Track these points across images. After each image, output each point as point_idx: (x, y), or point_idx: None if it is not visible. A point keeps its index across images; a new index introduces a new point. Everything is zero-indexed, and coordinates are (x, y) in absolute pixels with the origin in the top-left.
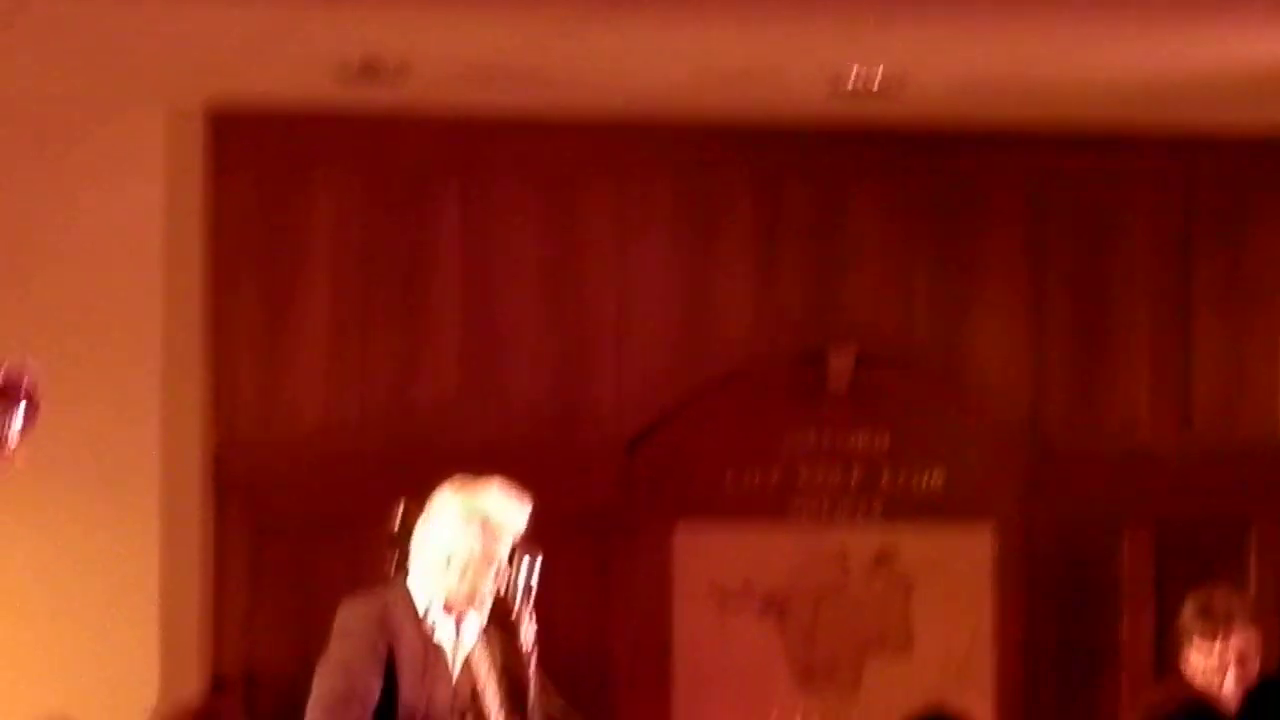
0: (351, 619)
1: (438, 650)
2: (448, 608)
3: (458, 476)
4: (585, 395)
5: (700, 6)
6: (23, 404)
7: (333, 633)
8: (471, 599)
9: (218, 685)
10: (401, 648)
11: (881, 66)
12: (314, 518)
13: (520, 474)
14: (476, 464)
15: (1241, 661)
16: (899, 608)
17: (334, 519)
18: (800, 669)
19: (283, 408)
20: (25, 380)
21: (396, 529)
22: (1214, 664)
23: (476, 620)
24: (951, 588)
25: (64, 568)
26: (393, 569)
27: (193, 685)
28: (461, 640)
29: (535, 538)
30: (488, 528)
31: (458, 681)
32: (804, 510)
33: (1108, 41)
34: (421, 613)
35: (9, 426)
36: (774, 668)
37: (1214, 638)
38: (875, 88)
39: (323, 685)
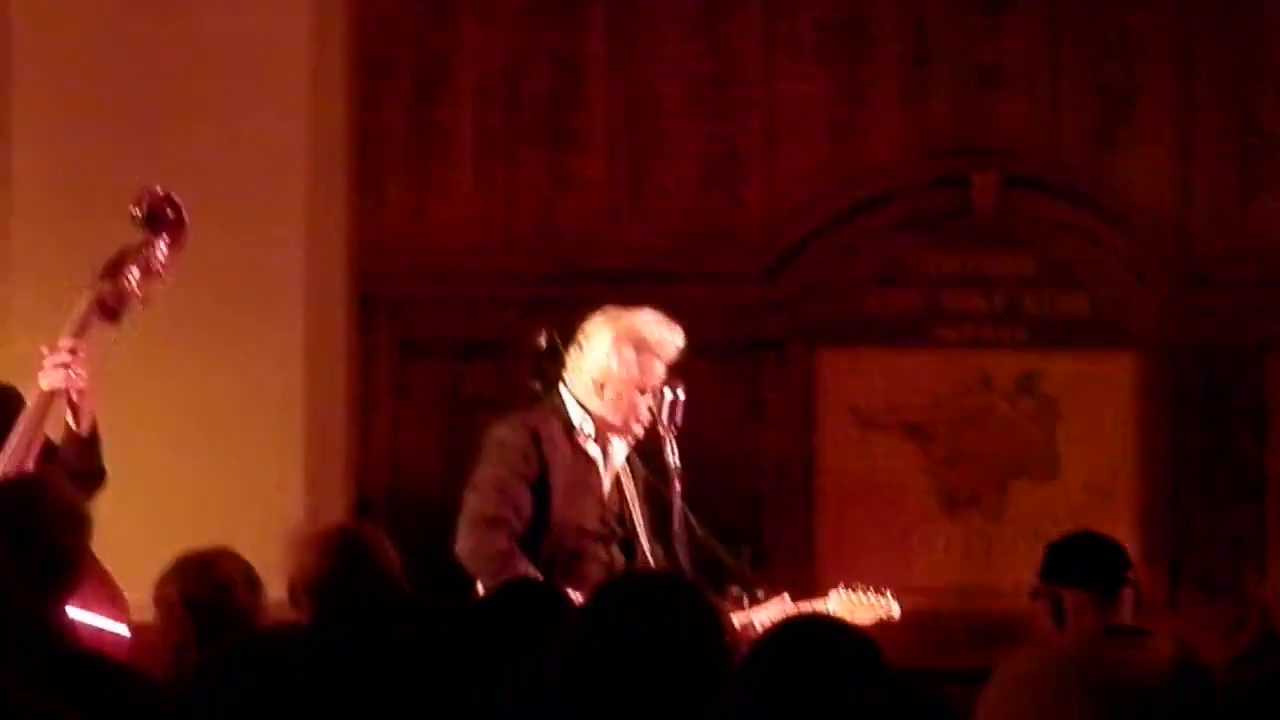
0: (503, 439)
1: (589, 470)
2: (600, 429)
3: (611, 306)
4: (730, 217)
5: None
6: (165, 232)
7: (483, 453)
8: (623, 423)
9: (363, 507)
10: (553, 467)
11: None
12: (460, 337)
13: (665, 296)
14: (622, 285)
15: None
16: (1043, 432)
17: (479, 339)
18: (943, 493)
19: (429, 226)
20: (168, 207)
21: (543, 349)
22: None
23: (624, 444)
24: (1096, 412)
25: (210, 390)
26: (540, 389)
27: (339, 507)
28: (610, 461)
29: (681, 361)
30: (642, 353)
31: (607, 500)
32: (947, 334)
33: None
34: (575, 432)
35: (157, 251)
36: (917, 491)
37: None
38: None
39: (474, 505)
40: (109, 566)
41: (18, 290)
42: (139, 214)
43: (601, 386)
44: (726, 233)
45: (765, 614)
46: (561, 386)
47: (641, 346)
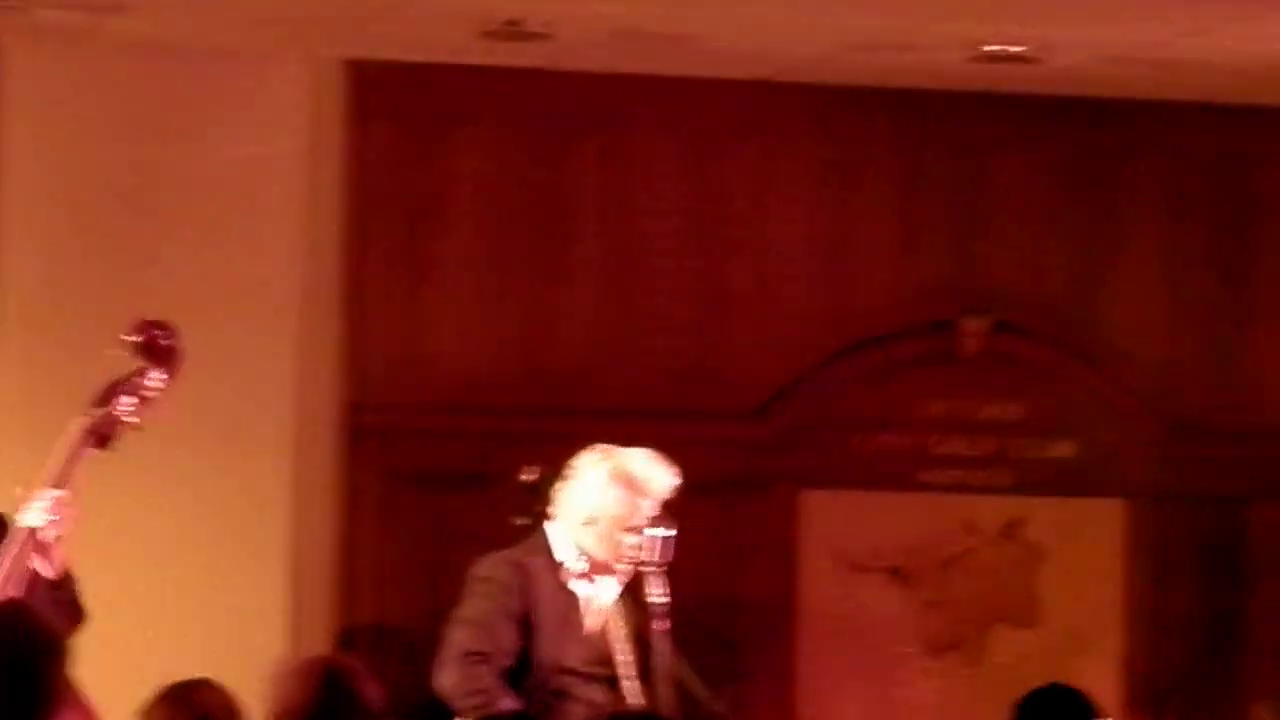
0: (488, 575)
1: (575, 608)
2: (588, 567)
3: (601, 444)
4: (720, 356)
5: None
6: (161, 361)
7: (467, 589)
8: (611, 560)
9: (347, 639)
10: (539, 605)
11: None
12: (448, 471)
13: (654, 433)
14: (610, 422)
15: None
16: (1027, 579)
17: (468, 473)
18: (926, 637)
19: (418, 360)
20: (163, 337)
21: (531, 485)
22: None
23: (614, 583)
24: (1081, 560)
25: (196, 519)
26: (528, 525)
27: (322, 639)
28: (598, 600)
29: (667, 498)
30: (633, 492)
31: (593, 638)
32: (933, 478)
33: (1253, 19)
34: (561, 570)
35: (151, 379)
36: (899, 635)
37: None
38: (1019, 52)
39: (458, 640)
40: (90, 696)
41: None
42: (135, 342)
43: (591, 523)
44: (715, 372)
45: None
46: (548, 523)
47: (632, 485)
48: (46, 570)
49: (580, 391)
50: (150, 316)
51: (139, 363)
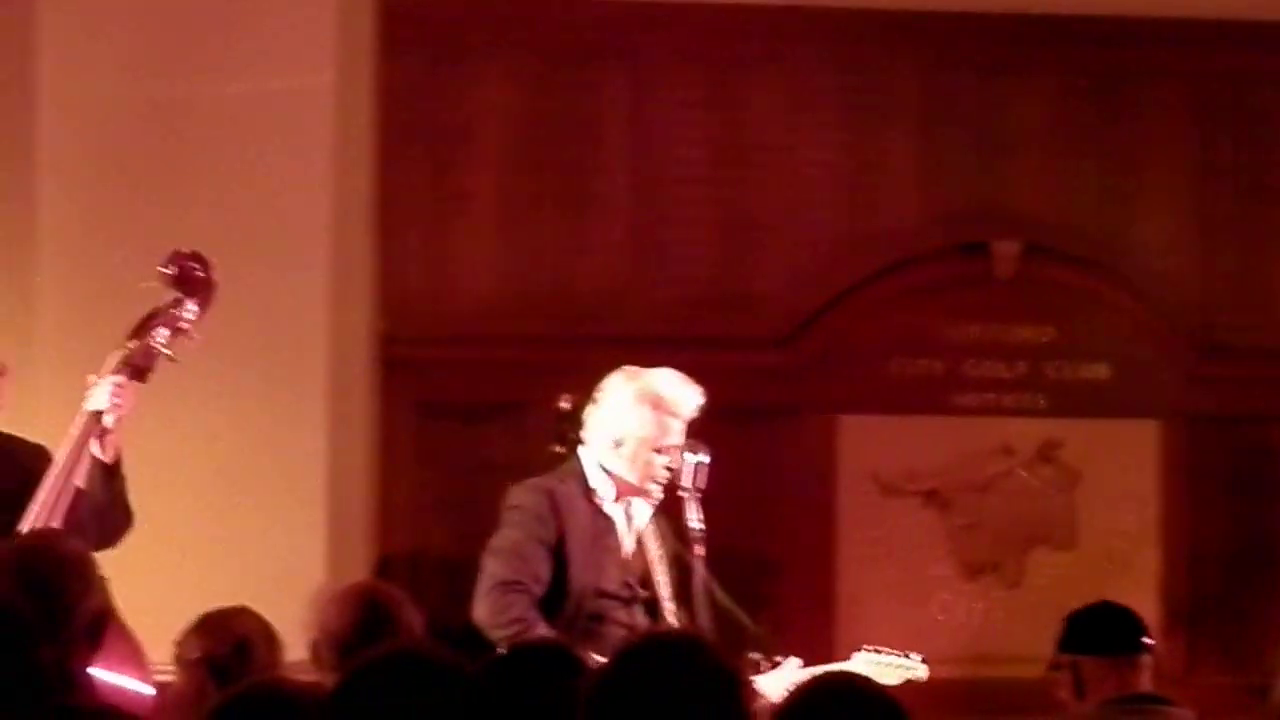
0: (520, 503)
1: (608, 532)
2: (619, 490)
3: (627, 366)
4: (749, 283)
5: None
6: (197, 294)
7: (502, 517)
8: (640, 482)
9: (384, 567)
10: (571, 530)
11: None
12: (480, 399)
13: (684, 361)
14: (641, 350)
15: None
16: (1063, 501)
17: (499, 401)
18: (963, 560)
19: (449, 288)
20: (198, 268)
21: (564, 412)
22: None
23: (646, 506)
24: (1116, 481)
25: (232, 450)
26: (562, 452)
27: (360, 566)
28: (632, 523)
29: (699, 424)
30: (660, 411)
31: (628, 562)
32: (967, 402)
33: None
34: (593, 493)
35: (185, 311)
36: (937, 558)
37: None
38: None
39: (492, 570)
40: (132, 624)
41: (42, 322)
42: (169, 274)
43: (619, 445)
44: (745, 299)
45: (780, 678)
46: (580, 448)
47: (659, 405)
48: (102, 454)
49: (611, 320)
50: (183, 248)
51: (173, 294)
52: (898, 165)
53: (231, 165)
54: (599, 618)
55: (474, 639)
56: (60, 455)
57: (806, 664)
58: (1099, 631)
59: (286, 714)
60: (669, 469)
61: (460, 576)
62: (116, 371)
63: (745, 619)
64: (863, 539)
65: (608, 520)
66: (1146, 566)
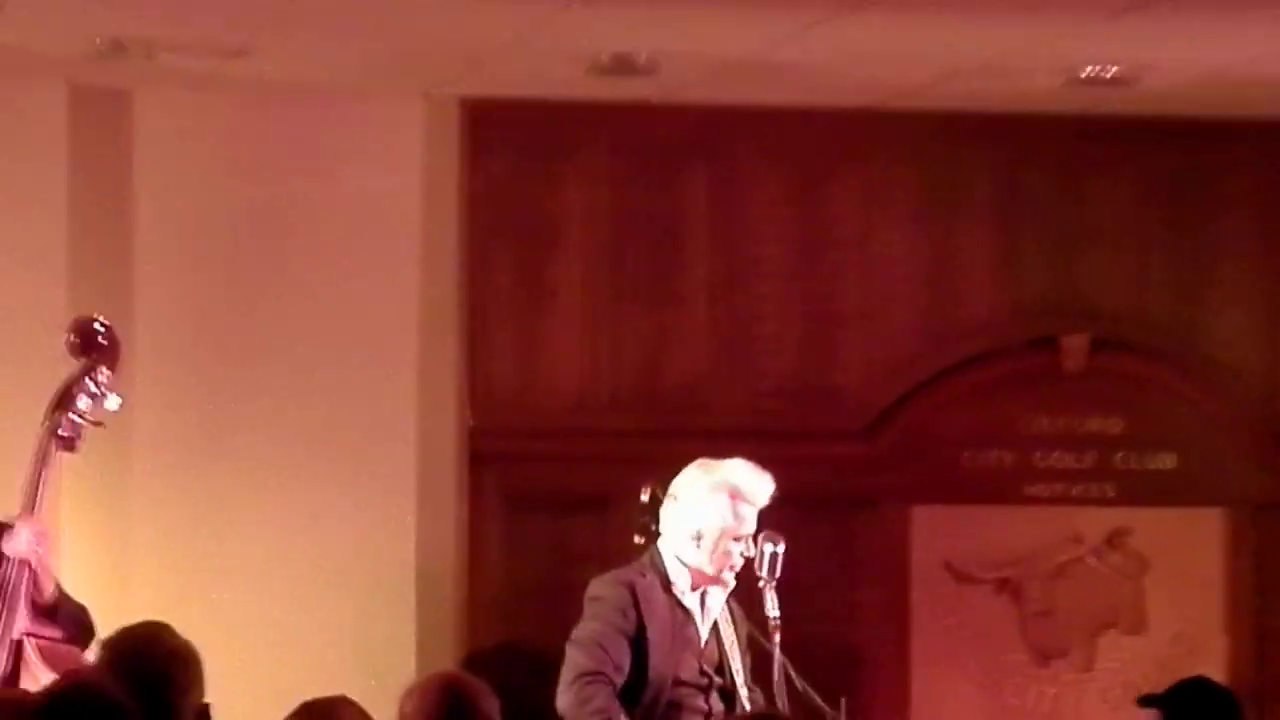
0: (602, 595)
1: (686, 621)
2: (695, 581)
3: (701, 459)
4: (828, 376)
5: (928, 5)
6: (102, 354)
7: (585, 608)
8: (718, 572)
9: (472, 657)
10: (651, 622)
11: (1120, 60)
12: (567, 492)
13: (765, 453)
14: (723, 442)
15: None
16: (1132, 587)
17: (585, 494)
18: (1035, 646)
19: (536, 384)
20: (101, 333)
21: (645, 504)
22: None
23: (721, 593)
24: (1184, 568)
25: (326, 545)
26: (643, 542)
27: (449, 656)
28: (708, 612)
29: (779, 515)
30: (735, 500)
31: (705, 650)
32: (1039, 491)
33: None
34: (672, 585)
35: (99, 375)
36: (1009, 644)
37: None
38: (1113, 75)
39: (575, 660)
40: (226, 711)
41: (140, 421)
42: (75, 342)
43: (699, 538)
44: (825, 392)
45: None
46: (658, 541)
47: (735, 494)
48: (39, 596)
49: (694, 413)
50: (83, 314)
51: (84, 360)
52: (972, 261)
53: (322, 264)
54: (677, 705)
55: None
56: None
57: None
58: (1194, 704)
59: None
60: (744, 556)
61: (547, 666)
62: (42, 456)
63: (822, 703)
64: (937, 627)
65: (685, 611)
66: (1215, 650)
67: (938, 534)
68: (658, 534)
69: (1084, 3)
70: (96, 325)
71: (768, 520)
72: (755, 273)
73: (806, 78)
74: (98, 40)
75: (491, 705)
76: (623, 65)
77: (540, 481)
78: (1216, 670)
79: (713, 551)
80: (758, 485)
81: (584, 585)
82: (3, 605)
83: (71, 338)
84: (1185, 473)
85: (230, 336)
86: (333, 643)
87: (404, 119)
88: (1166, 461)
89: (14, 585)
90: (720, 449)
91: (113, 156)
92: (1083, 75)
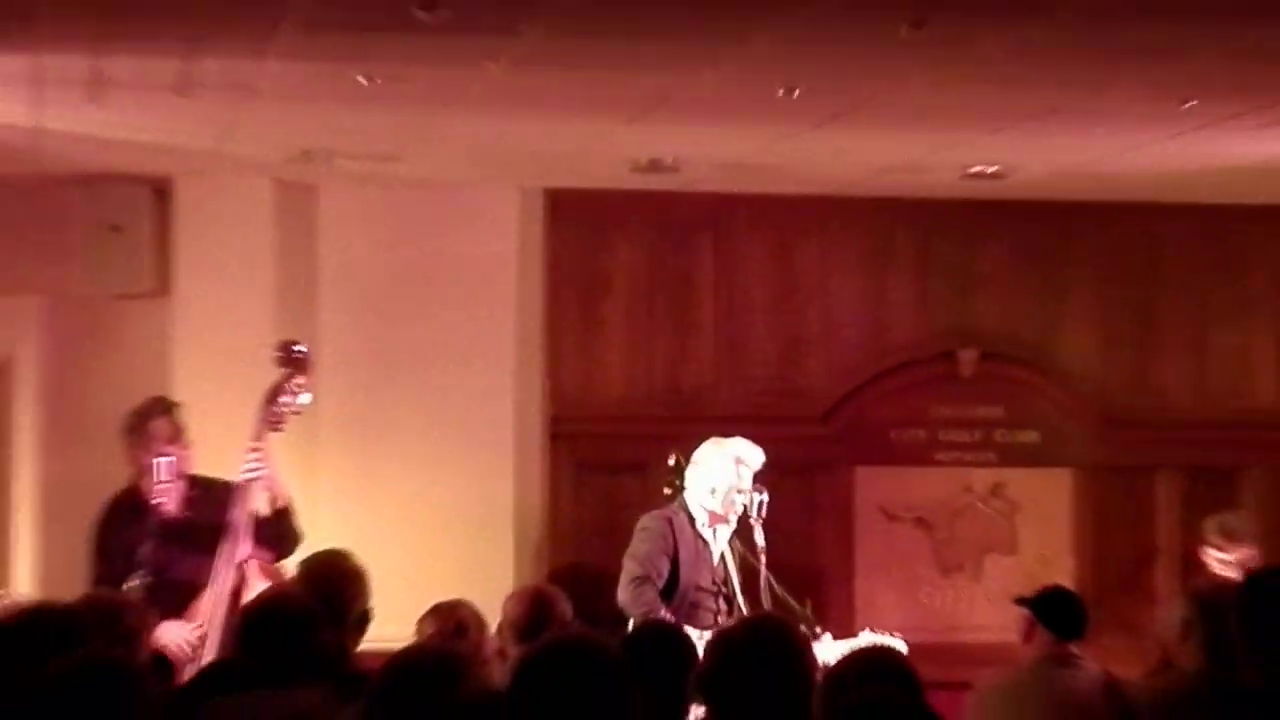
0: (648, 526)
1: (704, 547)
2: (711, 520)
3: (714, 437)
4: (797, 379)
5: (877, 123)
6: (298, 366)
7: (635, 535)
8: (726, 514)
9: (554, 576)
10: (683, 544)
11: (998, 160)
12: (616, 461)
13: (754, 433)
14: (724, 426)
15: (1246, 565)
16: (1008, 523)
17: (629, 461)
18: (940, 563)
19: (593, 385)
20: (296, 351)
21: (671, 467)
22: (1227, 565)
23: (727, 530)
24: (1044, 510)
25: (452, 498)
26: (670, 493)
27: (535, 574)
28: (718, 542)
29: (765, 475)
30: (739, 465)
31: (716, 568)
32: (943, 458)
33: (1154, 144)
34: (695, 522)
35: (295, 381)
36: (923, 562)
37: (1228, 548)
38: (994, 172)
39: (630, 569)
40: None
41: (324, 412)
42: (280, 357)
43: (714, 491)
44: (795, 390)
45: (827, 648)
46: (685, 493)
47: (739, 461)
48: (263, 507)
49: (703, 405)
50: (285, 338)
51: (285, 370)
52: (897, 300)
53: (449, 304)
54: (696, 604)
55: (611, 620)
56: (235, 516)
57: (836, 637)
58: (1055, 608)
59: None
60: (744, 505)
61: (604, 581)
62: (260, 436)
63: (795, 604)
64: (873, 551)
65: (704, 541)
66: (1065, 567)
67: (873, 487)
68: (683, 488)
69: (972, 123)
70: (295, 346)
71: (757, 479)
72: (746, 308)
73: (782, 173)
74: (295, 151)
75: (566, 607)
76: (655, 165)
77: (597, 452)
78: (1067, 580)
79: (723, 500)
80: (754, 455)
81: (629, 525)
82: (233, 539)
83: (278, 354)
84: (1044, 444)
85: (385, 354)
86: (455, 564)
87: (505, 203)
88: (1031, 436)
89: (240, 524)
90: (723, 430)
91: (304, 230)
92: (972, 171)
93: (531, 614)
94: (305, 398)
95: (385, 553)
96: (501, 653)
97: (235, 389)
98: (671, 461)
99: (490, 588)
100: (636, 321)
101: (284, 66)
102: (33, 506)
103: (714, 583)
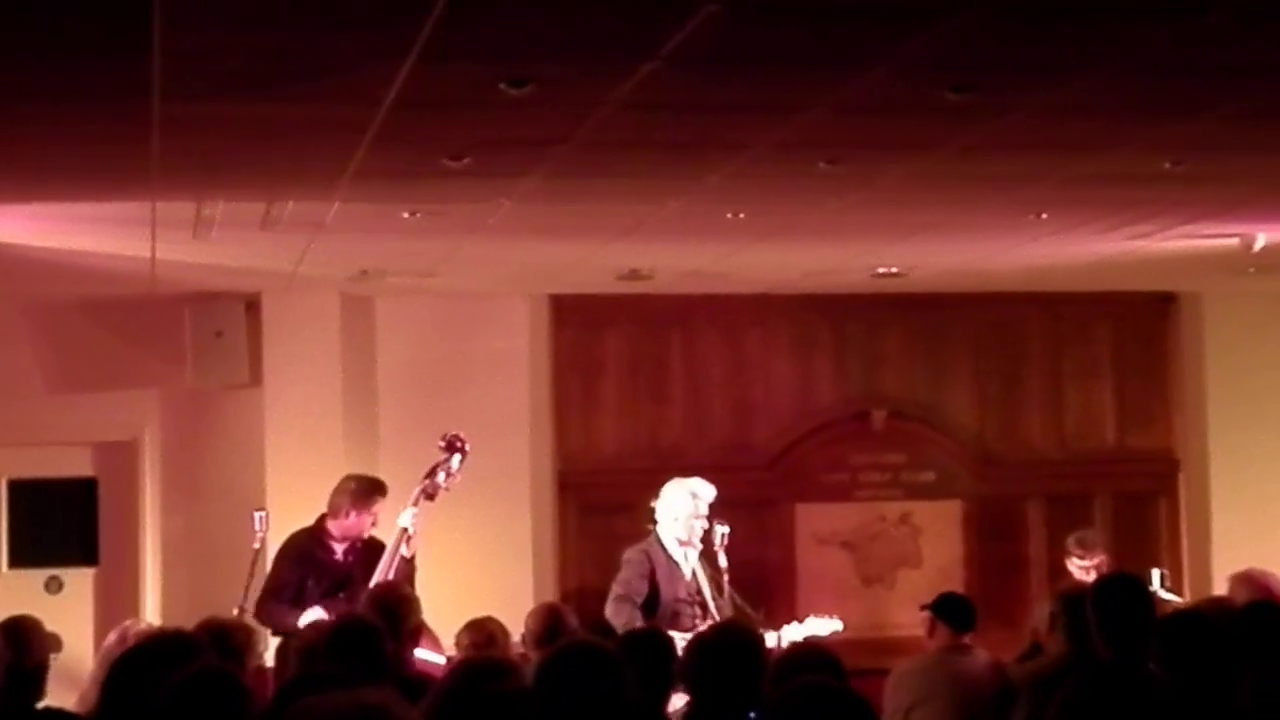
0: (630, 558)
1: (678, 567)
2: (680, 544)
3: (676, 478)
4: (748, 436)
5: (803, 237)
6: (458, 454)
7: (622, 567)
8: (690, 538)
9: (563, 597)
10: (658, 568)
11: (899, 264)
12: (611, 503)
13: (715, 479)
14: (693, 473)
15: (1099, 569)
16: (914, 544)
17: (621, 503)
18: (862, 576)
19: (592, 446)
20: (458, 440)
21: (651, 508)
22: (1085, 570)
23: (693, 551)
24: (941, 533)
25: (481, 540)
26: (650, 528)
27: (549, 595)
28: (688, 561)
29: (725, 512)
30: (694, 498)
31: (689, 582)
32: (862, 494)
33: (1016, 248)
34: (666, 547)
35: (453, 464)
36: (848, 575)
37: (1085, 557)
38: (895, 272)
39: (615, 590)
40: (433, 626)
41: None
42: (443, 444)
43: (676, 519)
44: (746, 445)
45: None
46: (658, 527)
47: (694, 495)
48: (406, 551)
49: (678, 458)
50: (449, 431)
51: (447, 455)
52: (822, 373)
53: (474, 387)
54: (677, 613)
55: (609, 630)
56: (389, 549)
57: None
58: (950, 608)
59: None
60: (705, 530)
61: (603, 599)
62: (417, 500)
63: (752, 611)
64: (810, 568)
65: (675, 562)
66: (959, 578)
67: (808, 519)
68: (656, 522)
69: (877, 236)
70: (460, 438)
71: (719, 514)
72: (708, 384)
73: (732, 278)
74: (355, 270)
75: (574, 621)
76: (635, 274)
77: (596, 497)
78: (960, 587)
79: (685, 525)
80: (705, 489)
81: (622, 554)
82: (393, 549)
83: (441, 442)
84: (939, 482)
85: (430, 427)
86: (486, 588)
87: (518, 308)
88: (929, 476)
89: (398, 540)
90: (691, 475)
91: (365, 332)
92: (878, 272)
93: (547, 625)
94: (455, 480)
95: (433, 580)
96: (524, 657)
97: (313, 459)
98: (654, 504)
99: (514, 606)
100: (624, 396)
101: (345, 207)
102: (155, 554)
103: (689, 595)
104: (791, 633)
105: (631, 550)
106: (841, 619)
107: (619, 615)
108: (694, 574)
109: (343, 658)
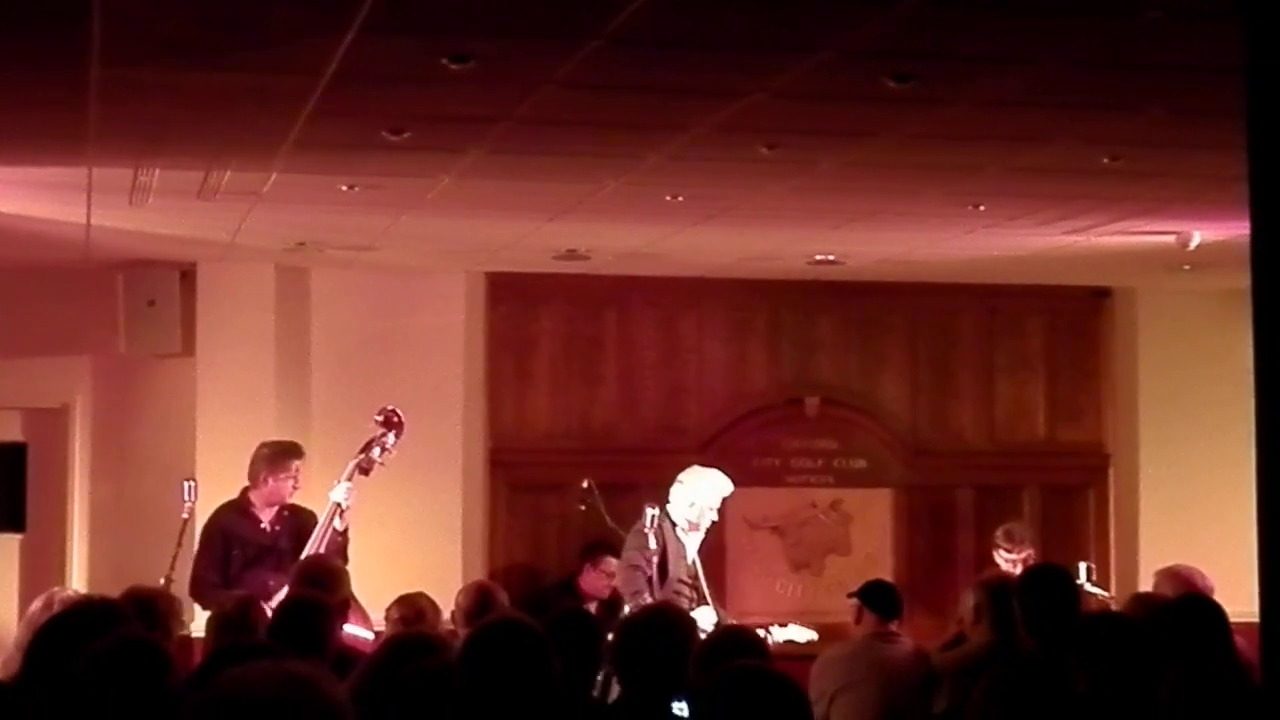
0: (642, 529)
1: (682, 548)
2: (689, 529)
3: (696, 465)
4: (681, 419)
5: (741, 221)
6: (395, 431)
7: (630, 538)
8: (701, 525)
9: (492, 575)
10: (667, 545)
11: (835, 251)
12: (541, 483)
13: (645, 462)
14: (624, 456)
15: (1026, 562)
16: (844, 531)
17: (551, 483)
18: (791, 562)
19: (524, 425)
20: (396, 417)
21: (585, 489)
22: (1011, 562)
23: (698, 537)
24: (871, 520)
25: (410, 515)
26: (581, 509)
27: (478, 572)
28: (692, 546)
29: (654, 494)
30: (719, 491)
31: (689, 566)
32: (793, 480)
33: (953, 239)
34: (676, 528)
35: (389, 440)
36: (778, 560)
37: (1012, 550)
38: (831, 259)
39: (626, 558)
40: (362, 600)
41: (315, 458)
42: (379, 419)
43: (693, 505)
44: (679, 428)
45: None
46: (669, 506)
47: (715, 486)
48: (339, 525)
49: (610, 440)
50: (386, 405)
51: (380, 430)
52: (756, 358)
53: (410, 362)
54: (676, 593)
55: (617, 602)
56: (321, 523)
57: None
58: (877, 596)
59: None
60: (713, 520)
61: (531, 576)
62: (351, 474)
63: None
64: (740, 552)
65: (682, 544)
66: (886, 564)
67: (739, 503)
68: (597, 505)
69: (815, 222)
70: (397, 413)
71: (649, 496)
72: (641, 366)
73: (669, 260)
74: (291, 242)
75: (504, 597)
76: (572, 254)
77: (526, 476)
78: (888, 574)
79: (699, 512)
80: (727, 486)
81: (552, 533)
82: (325, 523)
83: (381, 416)
84: (870, 469)
85: (362, 402)
86: (416, 563)
87: (454, 284)
88: (860, 464)
89: (330, 514)
90: (621, 462)
91: (299, 305)
92: (815, 259)
93: (477, 602)
94: (390, 456)
95: (362, 555)
96: (454, 634)
97: (244, 430)
98: (585, 484)
99: (443, 582)
100: (557, 376)
101: (284, 178)
102: (83, 521)
103: (689, 576)
104: (777, 635)
105: (637, 529)
106: (769, 604)
107: (629, 585)
108: (694, 561)
109: (286, 636)
